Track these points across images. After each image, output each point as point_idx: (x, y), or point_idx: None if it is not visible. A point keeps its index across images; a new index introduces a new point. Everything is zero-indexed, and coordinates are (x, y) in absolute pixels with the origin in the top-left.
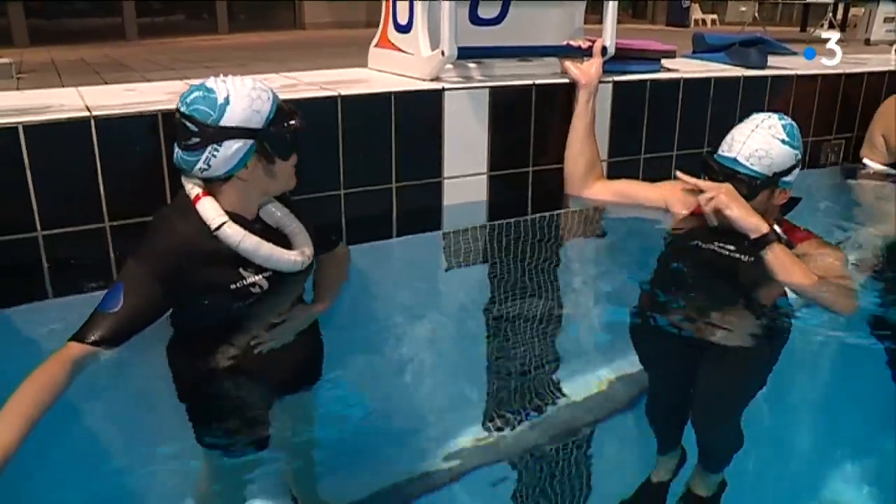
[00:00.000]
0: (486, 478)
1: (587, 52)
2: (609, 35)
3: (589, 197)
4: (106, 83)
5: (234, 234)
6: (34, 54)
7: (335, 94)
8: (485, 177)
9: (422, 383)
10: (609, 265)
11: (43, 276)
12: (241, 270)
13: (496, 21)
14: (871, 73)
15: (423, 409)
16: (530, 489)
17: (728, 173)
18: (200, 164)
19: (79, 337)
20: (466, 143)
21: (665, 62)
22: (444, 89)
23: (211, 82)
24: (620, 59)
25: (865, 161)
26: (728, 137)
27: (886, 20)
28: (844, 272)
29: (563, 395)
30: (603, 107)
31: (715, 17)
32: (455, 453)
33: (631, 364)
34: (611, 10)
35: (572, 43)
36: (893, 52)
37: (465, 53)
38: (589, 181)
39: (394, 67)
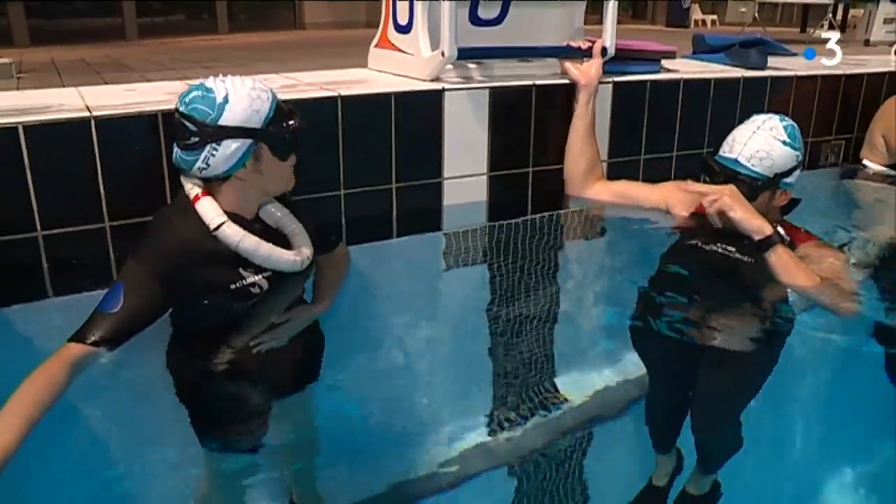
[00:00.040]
0: (486, 479)
1: (587, 53)
2: (609, 36)
3: (589, 197)
4: (106, 83)
5: (234, 234)
6: (34, 54)
7: (335, 94)
8: (485, 177)
9: (421, 384)
10: (609, 266)
11: (43, 276)
12: (240, 270)
13: (496, 21)
14: (870, 74)
15: (422, 410)
16: (530, 490)
17: (729, 174)
18: (199, 164)
19: (78, 337)
20: (466, 144)
21: (665, 63)
22: (444, 90)
23: (210, 82)
24: (620, 59)
25: (865, 162)
26: (729, 138)
27: (886, 21)
28: (846, 274)
29: (563, 396)
30: (603, 107)
31: (715, 17)
32: (454, 453)
33: (632, 365)
34: (611, 10)
35: (572, 43)
36: (893, 52)
37: (466, 54)
38: (589, 182)
39: (394, 68)
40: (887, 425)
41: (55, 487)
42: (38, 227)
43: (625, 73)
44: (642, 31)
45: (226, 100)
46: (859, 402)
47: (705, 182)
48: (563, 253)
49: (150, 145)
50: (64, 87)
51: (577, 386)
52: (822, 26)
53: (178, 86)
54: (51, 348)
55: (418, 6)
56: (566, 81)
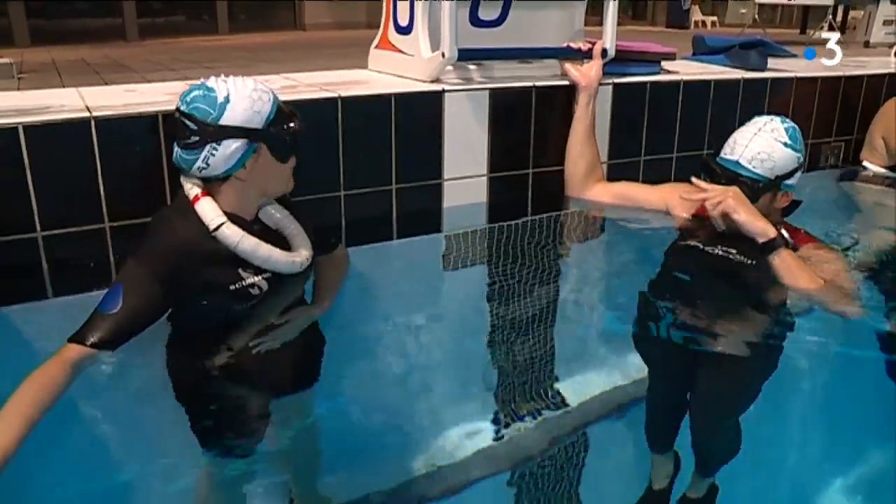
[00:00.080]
0: (487, 482)
1: (587, 55)
2: (609, 37)
3: (589, 199)
4: (106, 83)
5: (233, 235)
6: (35, 54)
7: (335, 95)
8: (485, 178)
9: (421, 384)
10: (609, 267)
11: (43, 277)
12: (240, 271)
13: (496, 23)
14: (870, 76)
15: (422, 411)
16: (531, 492)
17: (730, 176)
18: (199, 163)
19: (78, 338)
20: (466, 145)
21: (665, 64)
22: (444, 91)
23: (211, 81)
24: (620, 61)
25: (865, 163)
26: (730, 140)
27: (886, 22)
28: (847, 275)
29: (564, 397)
30: (603, 109)
31: (715, 18)
32: (455, 455)
33: (632, 366)
34: (611, 11)
35: (572, 45)
36: (893, 54)
37: (466, 55)
38: (589, 183)
39: (394, 69)
40: (886, 428)
41: (55, 487)
42: (38, 228)
43: (625, 75)
44: (642, 33)
45: (227, 100)
46: (858, 405)
47: (705, 182)
48: (564, 254)
49: (150, 146)
50: (64, 87)
51: (578, 387)
52: (822, 28)
53: (179, 86)
54: (51, 348)
55: (419, 7)
56: (566, 83)
